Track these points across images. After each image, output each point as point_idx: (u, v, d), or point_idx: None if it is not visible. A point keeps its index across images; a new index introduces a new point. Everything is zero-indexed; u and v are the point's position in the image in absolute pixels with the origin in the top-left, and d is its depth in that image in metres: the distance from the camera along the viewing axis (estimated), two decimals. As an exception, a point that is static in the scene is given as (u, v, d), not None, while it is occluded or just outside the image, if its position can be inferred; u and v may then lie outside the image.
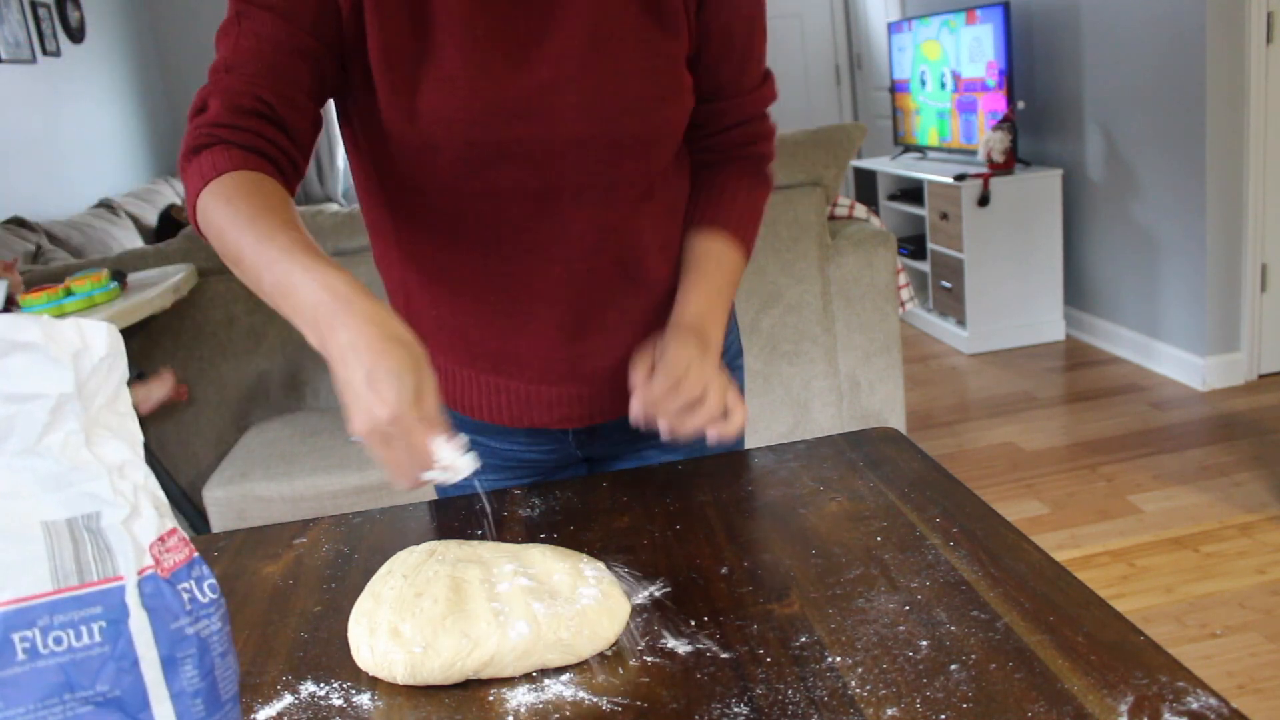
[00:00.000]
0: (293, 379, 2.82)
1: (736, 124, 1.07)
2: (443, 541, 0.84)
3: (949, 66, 4.46)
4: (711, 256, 1.03)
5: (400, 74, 0.90)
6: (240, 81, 0.87)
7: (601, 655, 0.72)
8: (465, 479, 0.77)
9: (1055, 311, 4.21)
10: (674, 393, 0.91)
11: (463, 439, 0.75)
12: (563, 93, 0.91)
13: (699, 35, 0.98)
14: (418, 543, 0.85)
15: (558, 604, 0.74)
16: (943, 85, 4.54)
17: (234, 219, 0.80)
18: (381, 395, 0.69)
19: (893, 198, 4.94)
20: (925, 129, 4.76)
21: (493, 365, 1.06)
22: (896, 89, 4.99)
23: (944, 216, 4.22)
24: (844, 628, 0.72)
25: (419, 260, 1.02)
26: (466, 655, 0.70)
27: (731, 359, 1.15)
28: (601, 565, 0.80)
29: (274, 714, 0.70)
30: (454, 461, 0.72)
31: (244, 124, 0.86)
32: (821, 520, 0.89)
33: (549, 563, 0.79)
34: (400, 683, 0.71)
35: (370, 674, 0.73)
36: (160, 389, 2.57)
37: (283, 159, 0.89)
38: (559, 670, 0.71)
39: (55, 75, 4.63)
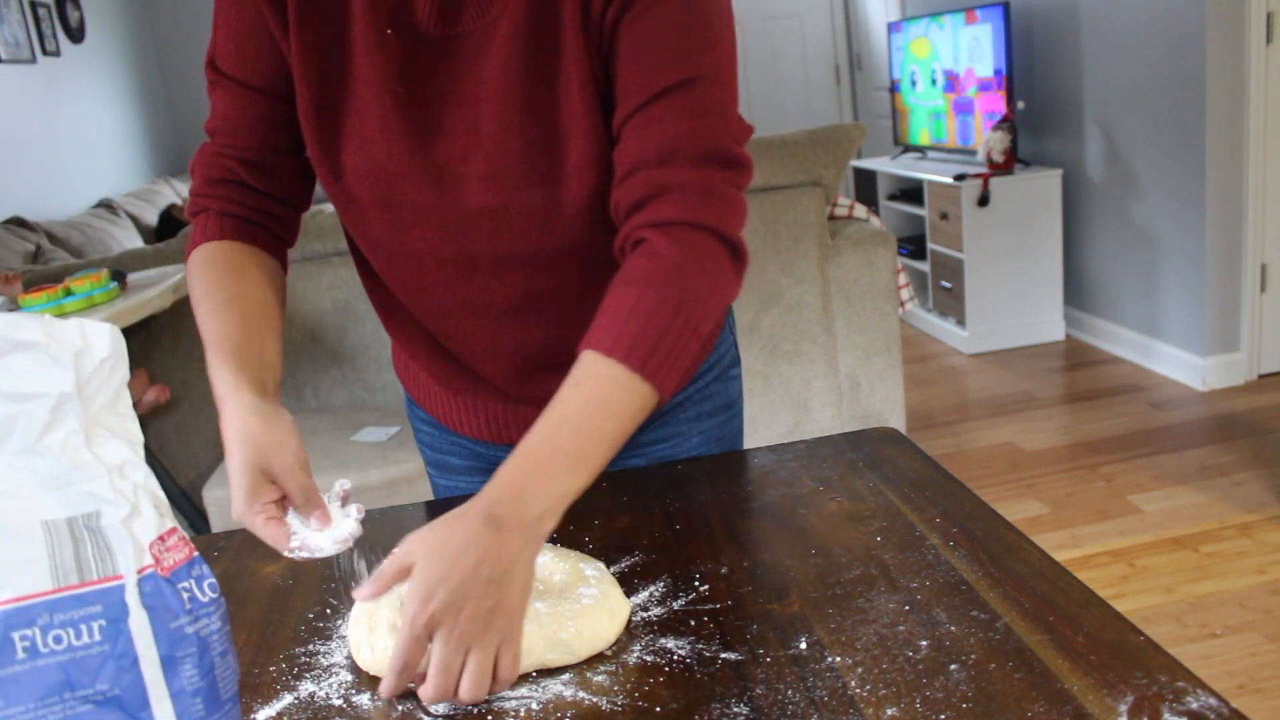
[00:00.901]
0: (292, 379, 2.82)
1: (632, 170, 0.84)
2: None
3: (948, 66, 4.46)
4: (561, 393, 0.76)
5: (325, 127, 0.91)
6: (211, 152, 0.96)
7: (601, 655, 0.72)
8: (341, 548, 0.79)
9: (1055, 311, 4.21)
10: (411, 673, 0.68)
11: (323, 524, 0.79)
12: (471, 162, 0.88)
13: (612, 64, 0.86)
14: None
15: (558, 604, 0.74)
16: (937, 83, 4.54)
17: (194, 296, 0.92)
18: (231, 493, 0.78)
19: (893, 198, 4.94)
20: (922, 129, 4.76)
21: (466, 388, 1.07)
22: (896, 89, 4.99)
23: (944, 216, 4.22)
24: (844, 628, 0.72)
25: (384, 290, 1.03)
26: None
27: (725, 369, 1.13)
28: (601, 565, 0.80)
29: (274, 714, 0.70)
30: (307, 542, 0.77)
31: (218, 192, 0.96)
32: (821, 520, 0.89)
33: (549, 563, 0.79)
34: None
35: (370, 673, 0.73)
36: (134, 390, 2.57)
37: (259, 215, 0.97)
38: (559, 670, 0.71)
39: (55, 75, 4.63)
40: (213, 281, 0.91)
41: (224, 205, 0.96)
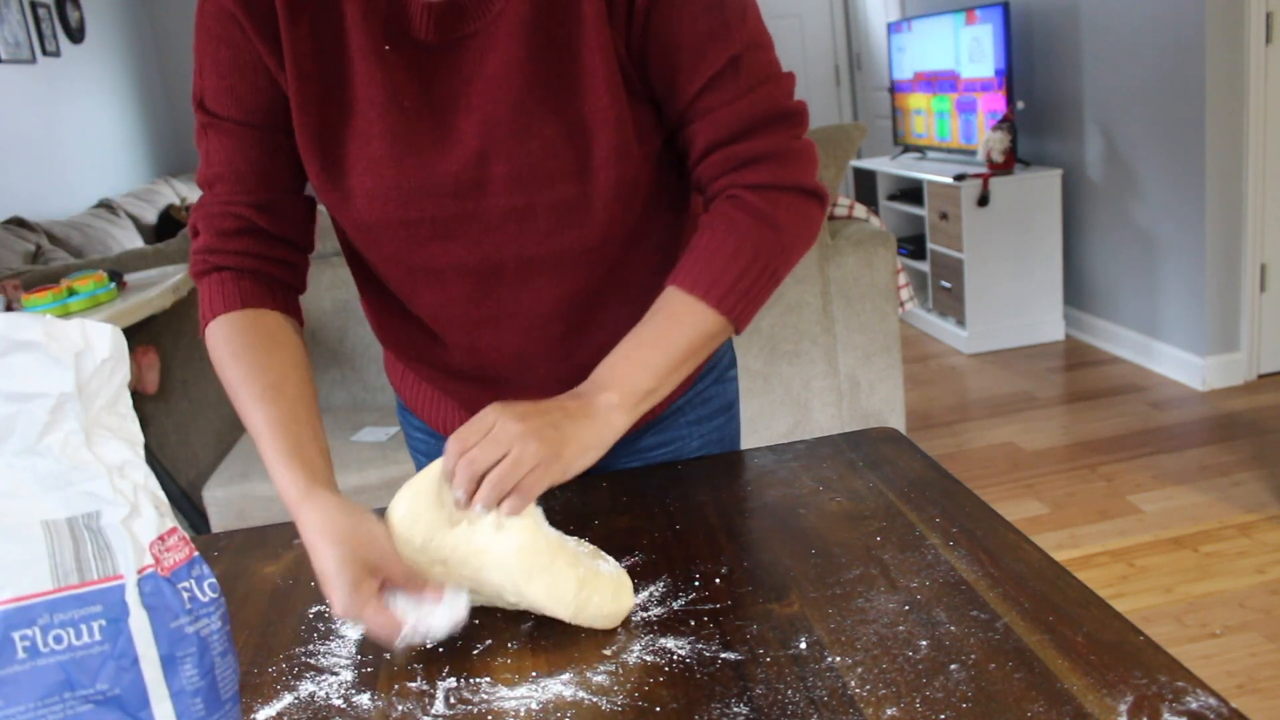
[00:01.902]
0: (293, 379, 2.82)
1: (709, 149, 0.91)
2: None
3: (948, 66, 4.46)
4: (644, 317, 0.88)
5: (329, 156, 0.89)
6: (218, 201, 0.92)
7: (601, 655, 0.72)
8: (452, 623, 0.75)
9: (1055, 311, 4.21)
10: (463, 458, 0.76)
11: (436, 599, 0.75)
12: (491, 165, 0.87)
13: (641, 66, 0.88)
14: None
15: (579, 559, 0.76)
16: (937, 83, 4.54)
17: (227, 378, 0.88)
18: (329, 595, 0.74)
19: (892, 198, 4.94)
20: (922, 129, 4.76)
21: (474, 404, 1.05)
22: (896, 89, 4.99)
23: (944, 216, 4.22)
24: (844, 628, 0.72)
25: (391, 311, 1.02)
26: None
27: (723, 370, 1.13)
28: (617, 564, 0.81)
29: (274, 714, 0.70)
30: (420, 624, 0.74)
31: (230, 246, 0.92)
32: (821, 520, 0.89)
33: (575, 544, 0.81)
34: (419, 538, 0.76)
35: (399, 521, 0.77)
36: (150, 370, 2.58)
37: (275, 267, 0.94)
38: (559, 670, 0.71)
39: (55, 75, 4.63)
40: (247, 366, 0.88)
41: (239, 261, 0.92)
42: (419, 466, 1.19)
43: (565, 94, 0.86)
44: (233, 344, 0.89)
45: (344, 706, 0.70)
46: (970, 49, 4.28)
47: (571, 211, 0.90)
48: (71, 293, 2.28)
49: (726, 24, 0.87)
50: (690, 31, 0.87)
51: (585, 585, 0.74)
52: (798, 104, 0.92)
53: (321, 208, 0.99)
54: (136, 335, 2.68)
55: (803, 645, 0.70)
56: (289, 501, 0.81)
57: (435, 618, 0.73)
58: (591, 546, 0.82)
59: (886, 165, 4.91)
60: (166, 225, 4.64)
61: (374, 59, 0.86)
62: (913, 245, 4.65)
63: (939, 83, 4.58)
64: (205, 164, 0.93)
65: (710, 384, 1.11)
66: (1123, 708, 0.60)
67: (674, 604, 0.78)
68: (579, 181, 0.88)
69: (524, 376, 1.00)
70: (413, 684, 0.72)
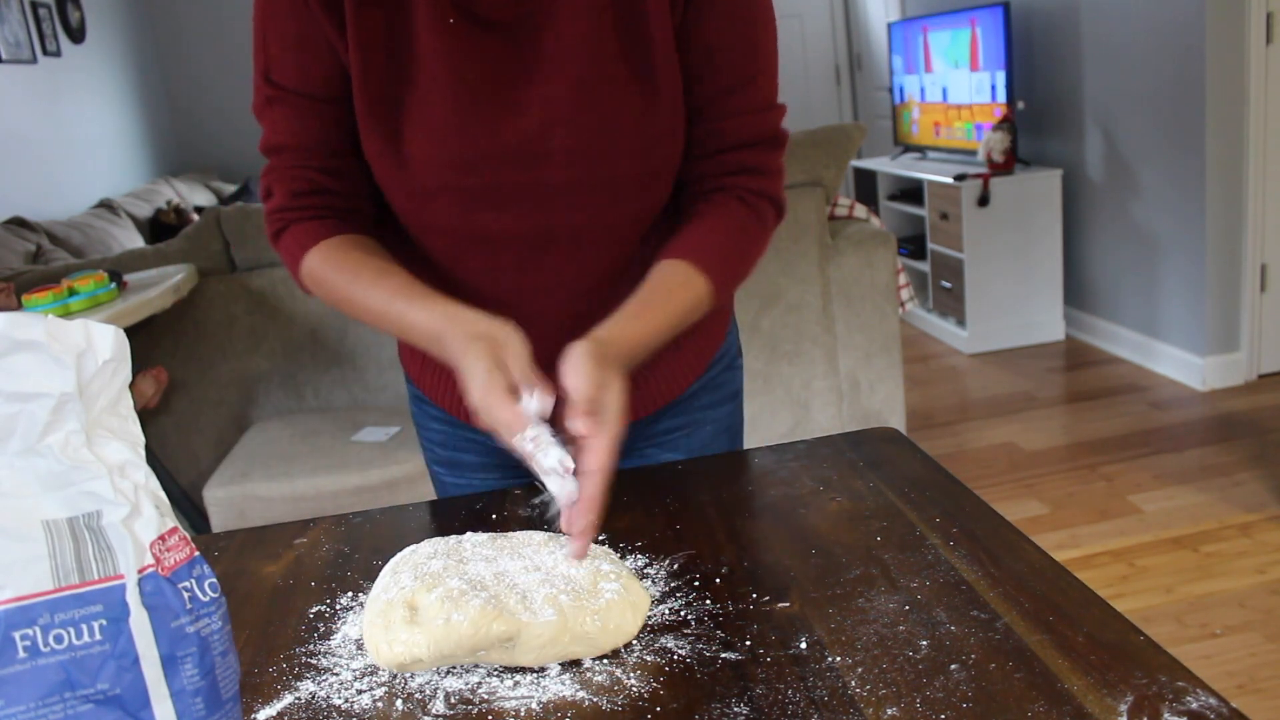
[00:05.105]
0: (292, 379, 2.82)
1: (722, 149, 0.98)
2: (443, 540, 0.83)
3: (948, 66, 4.46)
4: (648, 283, 0.93)
5: (388, 123, 0.92)
6: (290, 165, 0.96)
7: (601, 654, 0.73)
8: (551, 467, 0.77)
9: (1055, 311, 4.21)
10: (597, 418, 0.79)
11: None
12: (554, 137, 0.91)
13: (683, 51, 0.94)
14: (418, 542, 0.84)
15: (581, 599, 0.74)
16: (937, 83, 4.54)
17: (339, 283, 0.93)
18: (467, 386, 0.79)
19: (893, 198, 4.94)
20: (922, 129, 4.76)
21: None
22: (896, 89, 4.98)
23: (944, 216, 4.22)
24: (844, 628, 0.72)
25: (427, 280, 1.03)
26: (492, 620, 0.70)
27: (732, 358, 1.17)
28: (616, 557, 0.80)
29: (274, 714, 0.70)
30: (541, 437, 0.76)
31: (306, 203, 0.97)
32: (821, 520, 0.89)
33: (564, 564, 0.78)
34: (425, 661, 0.71)
35: (392, 669, 0.72)
36: (153, 385, 2.58)
37: (352, 215, 0.98)
38: (559, 670, 0.71)
39: (55, 75, 4.63)
40: (357, 260, 0.93)
41: (317, 212, 0.96)
42: (432, 461, 1.19)
43: (630, 75, 0.91)
44: (337, 258, 0.94)
45: (344, 706, 0.70)
46: (969, 49, 4.28)
47: (628, 185, 0.94)
48: (72, 293, 2.28)
49: (756, 43, 0.95)
50: (727, 38, 0.94)
51: (605, 629, 0.73)
52: (786, 131, 1.03)
53: None
54: (137, 335, 2.68)
55: (803, 645, 0.70)
56: (441, 321, 0.84)
57: (555, 447, 0.75)
58: (588, 558, 0.79)
59: (886, 165, 4.91)
60: (160, 226, 4.64)
61: (438, 32, 0.89)
62: (913, 245, 4.65)
63: (936, 91, 4.58)
64: (270, 133, 0.97)
65: (721, 370, 1.15)
66: (1123, 708, 0.60)
67: (674, 604, 0.78)
68: (638, 157, 0.93)
69: (554, 341, 1.01)
70: (413, 684, 0.72)
